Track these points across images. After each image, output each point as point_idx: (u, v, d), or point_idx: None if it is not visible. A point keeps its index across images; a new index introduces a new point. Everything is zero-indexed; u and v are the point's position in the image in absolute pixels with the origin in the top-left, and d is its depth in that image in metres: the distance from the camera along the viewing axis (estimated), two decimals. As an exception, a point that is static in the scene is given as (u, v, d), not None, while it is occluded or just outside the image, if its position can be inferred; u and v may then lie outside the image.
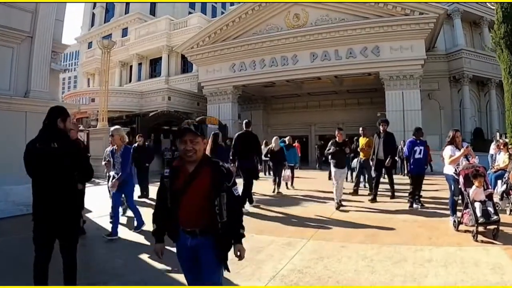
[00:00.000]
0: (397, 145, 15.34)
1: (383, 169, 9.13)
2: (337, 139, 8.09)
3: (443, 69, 24.11)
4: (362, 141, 10.24)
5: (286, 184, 11.60)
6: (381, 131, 8.75)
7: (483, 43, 23.19)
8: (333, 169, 8.04)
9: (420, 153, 7.61)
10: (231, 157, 8.35)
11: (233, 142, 8.60)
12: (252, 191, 8.58)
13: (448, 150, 6.08)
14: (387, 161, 8.48)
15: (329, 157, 8.10)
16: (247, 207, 7.99)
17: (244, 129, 8.49)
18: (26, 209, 6.28)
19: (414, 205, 7.58)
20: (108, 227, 6.11)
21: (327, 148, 8.17)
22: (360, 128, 10.50)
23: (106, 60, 17.44)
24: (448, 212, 6.34)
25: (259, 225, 6.37)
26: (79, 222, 3.68)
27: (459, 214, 5.71)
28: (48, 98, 8.66)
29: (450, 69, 24.09)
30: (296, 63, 21.89)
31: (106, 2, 40.95)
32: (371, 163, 9.09)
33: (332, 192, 8.11)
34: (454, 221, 5.75)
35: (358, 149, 10.43)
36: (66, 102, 27.01)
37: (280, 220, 6.83)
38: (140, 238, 5.72)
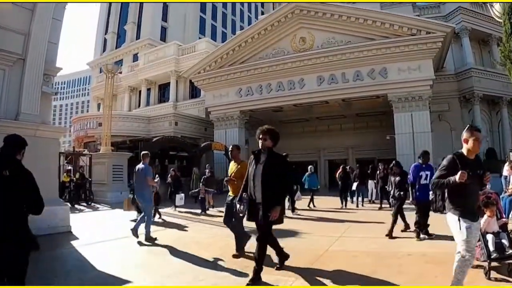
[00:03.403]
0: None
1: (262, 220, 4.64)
2: (465, 151, 3.86)
3: (453, 89, 23.79)
4: (232, 167, 6.49)
5: (309, 203, 13.24)
6: (261, 150, 4.81)
7: (492, 59, 22.75)
8: (457, 224, 3.61)
9: (426, 178, 7.04)
10: None
11: None
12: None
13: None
14: (272, 212, 4.41)
15: (442, 192, 3.92)
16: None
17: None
18: None
19: (421, 236, 6.96)
20: (93, 258, 5.88)
21: (439, 172, 3.80)
22: (230, 147, 6.90)
23: (110, 84, 17.37)
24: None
25: (245, 260, 5.78)
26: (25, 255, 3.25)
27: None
28: (38, 121, 8.46)
29: (460, 89, 23.76)
30: (303, 87, 21.62)
31: (118, 28, 42.02)
32: (238, 206, 5.01)
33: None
34: (464, 255, 5.11)
35: (224, 181, 6.72)
36: (72, 125, 27.23)
37: (270, 251, 6.23)
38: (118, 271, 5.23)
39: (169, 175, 14.36)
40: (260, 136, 4.75)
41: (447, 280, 4.39)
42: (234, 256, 5.86)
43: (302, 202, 12.95)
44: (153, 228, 8.24)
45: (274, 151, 4.82)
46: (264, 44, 22.97)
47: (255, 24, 23.54)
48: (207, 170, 14.10)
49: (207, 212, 12.63)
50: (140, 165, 8.14)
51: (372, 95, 20.21)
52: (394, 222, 7.38)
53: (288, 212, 11.76)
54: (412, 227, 7.46)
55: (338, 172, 14.45)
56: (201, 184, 13.25)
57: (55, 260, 6.06)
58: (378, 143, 22.42)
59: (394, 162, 8.53)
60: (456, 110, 23.75)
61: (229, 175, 6.42)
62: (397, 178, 7.87)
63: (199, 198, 12.93)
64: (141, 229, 7.49)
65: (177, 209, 13.17)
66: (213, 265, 5.51)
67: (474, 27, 24.14)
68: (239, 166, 6.28)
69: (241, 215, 5.18)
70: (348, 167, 15.51)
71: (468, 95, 23.34)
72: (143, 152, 8.44)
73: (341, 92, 20.62)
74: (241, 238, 6.10)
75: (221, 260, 5.78)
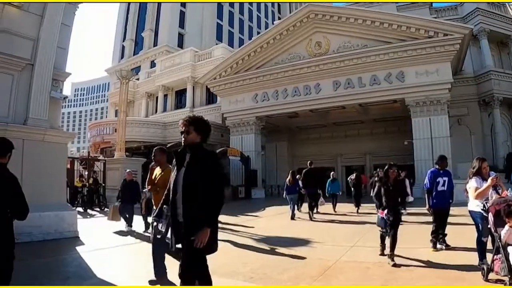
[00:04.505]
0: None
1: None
2: None
3: (472, 93, 23.27)
4: (156, 174, 5.53)
5: (334, 207, 13.90)
6: (185, 148, 3.22)
7: (512, 62, 22.17)
8: None
9: (443, 184, 6.63)
10: (301, 185, 12.29)
11: (302, 175, 12.25)
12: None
13: (473, 182, 5.05)
14: (198, 235, 2.90)
15: None
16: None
17: (309, 166, 12.46)
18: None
19: (438, 246, 6.54)
20: (95, 265, 5.73)
21: None
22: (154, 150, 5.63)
23: (125, 90, 17.47)
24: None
25: (252, 268, 5.52)
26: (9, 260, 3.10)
27: (489, 259, 4.68)
28: (46, 126, 8.42)
29: (479, 93, 23.22)
30: (319, 92, 21.38)
31: (135, 35, 42.61)
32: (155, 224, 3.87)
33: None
34: (483, 268, 4.71)
35: (146, 190, 6.38)
36: (89, 131, 27.58)
37: (278, 261, 5.98)
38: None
39: None
40: (182, 129, 3.20)
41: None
42: (150, 282, 4.76)
43: (324, 206, 13.58)
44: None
45: (202, 148, 3.22)
46: (280, 49, 22.84)
47: (270, 29, 23.44)
48: None
49: None
50: None
51: (389, 99, 19.83)
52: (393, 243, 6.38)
53: (301, 215, 12.18)
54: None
55: (352, 178, 14.95)
56: None
57: (56, 266, 5.94)
58: (396, 148, 21.90)
59: (388, 164, 6.31)
60: (476, 114, 23.18)
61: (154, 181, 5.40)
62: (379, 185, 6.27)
63: None
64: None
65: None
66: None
67: (492, 29, 23.62)
68: (162, 173, 5.22)
69: (158, 236, 3.68)
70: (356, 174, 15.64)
71: (487, 98, 22.75)
72: None
73: (358, 97, 20.34)
74: (159, 264, 4.80)
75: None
